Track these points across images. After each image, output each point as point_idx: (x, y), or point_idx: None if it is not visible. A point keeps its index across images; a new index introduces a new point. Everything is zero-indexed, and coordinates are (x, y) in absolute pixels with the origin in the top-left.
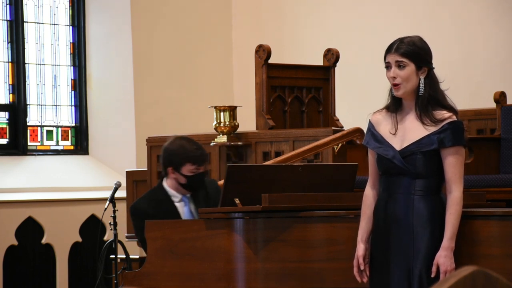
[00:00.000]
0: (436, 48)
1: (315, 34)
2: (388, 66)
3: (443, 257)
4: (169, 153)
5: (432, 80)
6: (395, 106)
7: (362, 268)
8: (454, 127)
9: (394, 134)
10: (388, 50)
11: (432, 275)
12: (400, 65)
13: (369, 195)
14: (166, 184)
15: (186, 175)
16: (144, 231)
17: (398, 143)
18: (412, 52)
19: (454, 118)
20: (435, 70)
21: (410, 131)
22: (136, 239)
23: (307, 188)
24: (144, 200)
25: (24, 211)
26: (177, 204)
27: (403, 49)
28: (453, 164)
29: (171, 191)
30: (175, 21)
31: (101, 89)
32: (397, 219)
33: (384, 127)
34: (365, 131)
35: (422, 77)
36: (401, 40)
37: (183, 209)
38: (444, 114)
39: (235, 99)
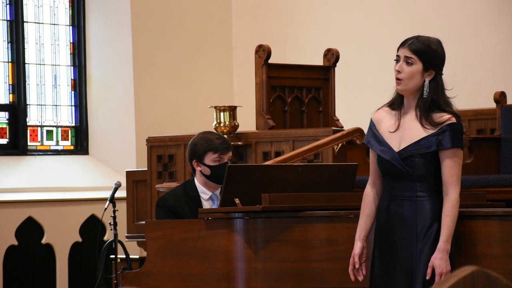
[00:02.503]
0: None
1: (315, 34)
2: (397, 60)
3: (439, 259)
4: (192, 146)
5: (437, 85)
6: (398, 103)
7: (357, 266)
8: (452, 129)
9: (393, 132)
10: (402, 44)
11: (427, 277)
12: (408, 61)
13: (369, 194)
14: (197, 180)
15: (209, 165)
16: None
17: (397, 143)
18: (424, 51)
19: (453, 120)
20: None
21: (409, 131)
22: (137, 239)
23: (307, 188)
24: (174, 194)
25: (24, 211)
26: (205, 203)
27: (415, 46)
28: (450, 166)
29: (201, 188)
30: (175, 21)
31: (101, 89)
32: (401, 221)
33: (385, 126)
34: (365, 131)
35: (427, 79)
36: (417, 37)
37: (212, 207)
38: (444, 116)
39: (235, 99)
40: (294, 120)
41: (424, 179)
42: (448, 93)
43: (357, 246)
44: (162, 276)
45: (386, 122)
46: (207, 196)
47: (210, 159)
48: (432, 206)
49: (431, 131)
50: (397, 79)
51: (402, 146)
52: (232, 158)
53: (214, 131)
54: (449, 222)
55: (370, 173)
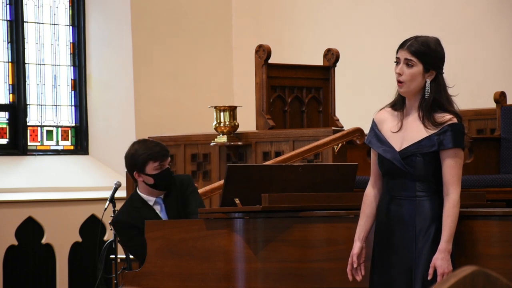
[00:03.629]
0: None
1: (315, 34)
2: (397, 62)
3: (440, 260)
4: (130, 158)
5: (438, 85)
6: (400, 104)
7: (355, 266)
8: (454, 129)
9: (396, 132)
10: (401, 46)
11: (429, 277)
12: (408, 64)
13: (369, 194)
14: (139, 190)
15: (151, 174)
16: (132, 242)
17: (399, 143)
18: (423, 52)
19: (455, 120)
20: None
21: (411, 131)
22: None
23: (307, 188)
24: (124, 211)
25: (24, 211)
26: (155, 207)
27: (414, 48)
28: (451, 166)
29: (145, 196)
30: (175, 21)
31: (101, 89)
32: (400, 221)
33: (387, 126)
34: (365, 131)
35: (428, 80)
36: (416, 38)
37: (160, 212)
38: (445, 116)
39: (235, 99)
40: (294, 120)
41: (424, 179)
42: (450, 91)
43: (356, 246)
44: (162, 276)
45: (388, 123)
46: (152, 202)
47: (152, 168)
48: (432, 206)
49: (432, 131)
50: (399, 81)
51: (404, 146)
52: (232, 158)
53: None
54: (450, 222)
55: (371, 174)
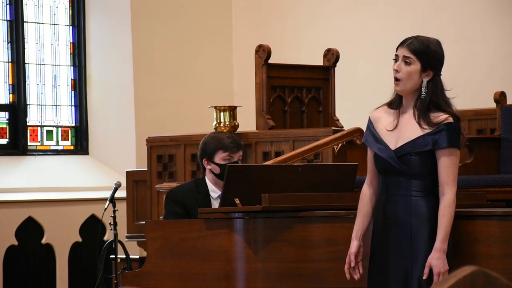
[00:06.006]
0: None
1: (315, 34)
2: (395, 59)
3: (436, 259)
4: (203, 145)
5: (435, 86)
6: (397, 103)
7: (353, 265)
8: (449, 129)
9: (391, 130)
10: (401, 44)
11: (424, 277)
12: (406, 61)
13: (366, 192)
14: (207, 178)
15: (219, 163)
16: (172, 216)
17: (394, 141)
18: (422, 51)
19: (451, 119)
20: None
21: (406, 130)
22: (137, 239)
23: (307, 188)
24: (184, 189)
25: (24, 211)
26: (213, 202)
27: (414, 46)
28: (447, 165)
29: (211, 186)
30: (175, 21)
31: (101, 89)
32: (395, 220)
33: (382, 124)
34: (365, 131)
35: (425, 80)
36: (416, 37)
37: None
38: (441, 116)
39: (235, 99)
40: (294, 120)
41: (419, 177)
42: (448, 94)
43: (354, 245)
44: (162, 276)
45: (383, 121)
46: (216, 195)
47: (220, 157)
48: (427, 205)
49: (427, 130)
50: (395, 79)
51: (399, 145)
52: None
53: (223, 131)
54: (446, 221)
55: (368, 172)
